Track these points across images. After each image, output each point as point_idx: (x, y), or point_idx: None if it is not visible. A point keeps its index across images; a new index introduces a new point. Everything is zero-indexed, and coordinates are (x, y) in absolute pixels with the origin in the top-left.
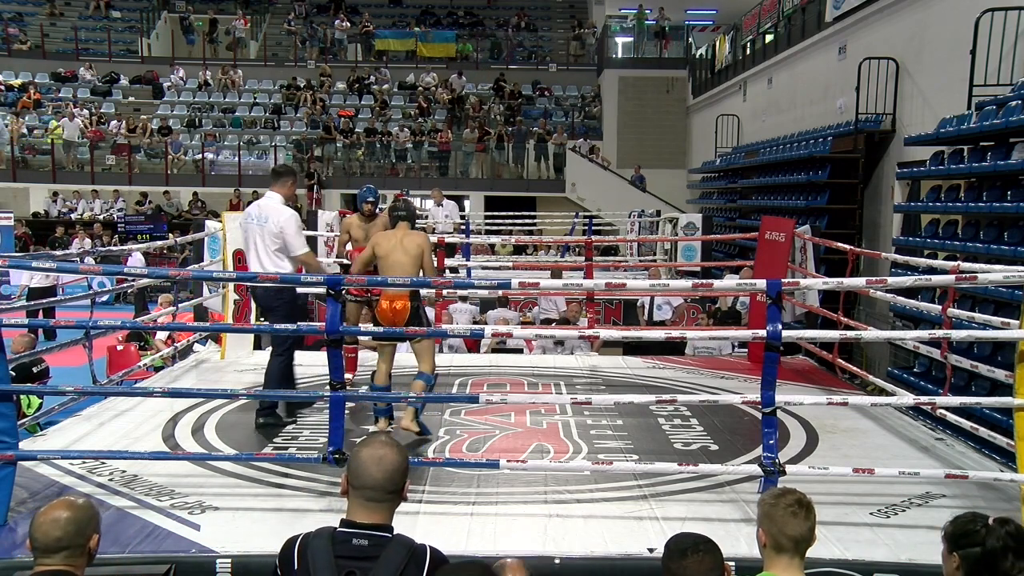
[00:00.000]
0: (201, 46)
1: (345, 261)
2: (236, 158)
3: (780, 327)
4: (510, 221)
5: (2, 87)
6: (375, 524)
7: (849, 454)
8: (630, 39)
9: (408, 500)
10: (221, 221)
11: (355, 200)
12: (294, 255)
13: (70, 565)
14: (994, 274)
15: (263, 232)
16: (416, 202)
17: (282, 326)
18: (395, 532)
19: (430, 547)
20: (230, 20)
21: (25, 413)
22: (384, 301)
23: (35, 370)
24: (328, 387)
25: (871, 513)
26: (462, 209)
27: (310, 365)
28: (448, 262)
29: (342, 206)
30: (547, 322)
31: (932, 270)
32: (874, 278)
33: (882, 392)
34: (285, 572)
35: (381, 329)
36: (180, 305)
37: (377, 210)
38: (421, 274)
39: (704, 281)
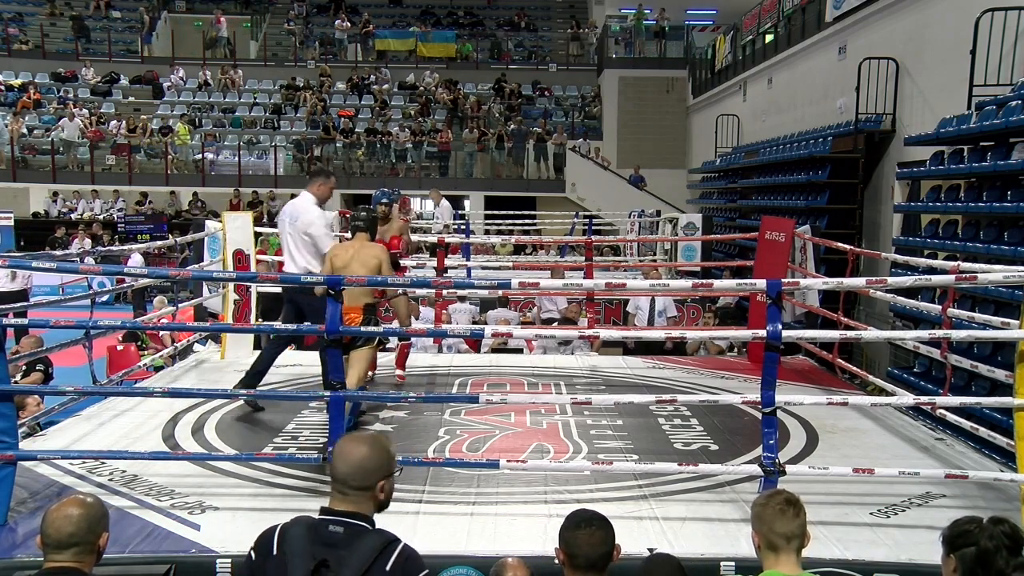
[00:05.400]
0: (201, 46)
1: None
2: (236, 158)
3: (780, 327)
4: (510, 221)
5: (2, 87)
6: (352, 512)
7: (849, 454)
8: (630, 39)
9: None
10: (221, 221)
11: (355, 201)
12: (324, 253)
13: (80, 562)
14: (994, 274)
15: (294, 230)
16: (416, 202)
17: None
18: (377, 527)
19: (405, 544)
20: (176, 18)
21: None
22: None
23: (50, 371)
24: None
25: (871, 513)
26: (460, 208)
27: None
28: (448, 262)
29: (342, 206)
30: (548, 322)
31: (932, 270)
32: (874, 278)
33: (882, 392)
34: (261, 557)
35: (381, 329)
36: (179, 305)
37: (392, 212)
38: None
39: (704, 281)
